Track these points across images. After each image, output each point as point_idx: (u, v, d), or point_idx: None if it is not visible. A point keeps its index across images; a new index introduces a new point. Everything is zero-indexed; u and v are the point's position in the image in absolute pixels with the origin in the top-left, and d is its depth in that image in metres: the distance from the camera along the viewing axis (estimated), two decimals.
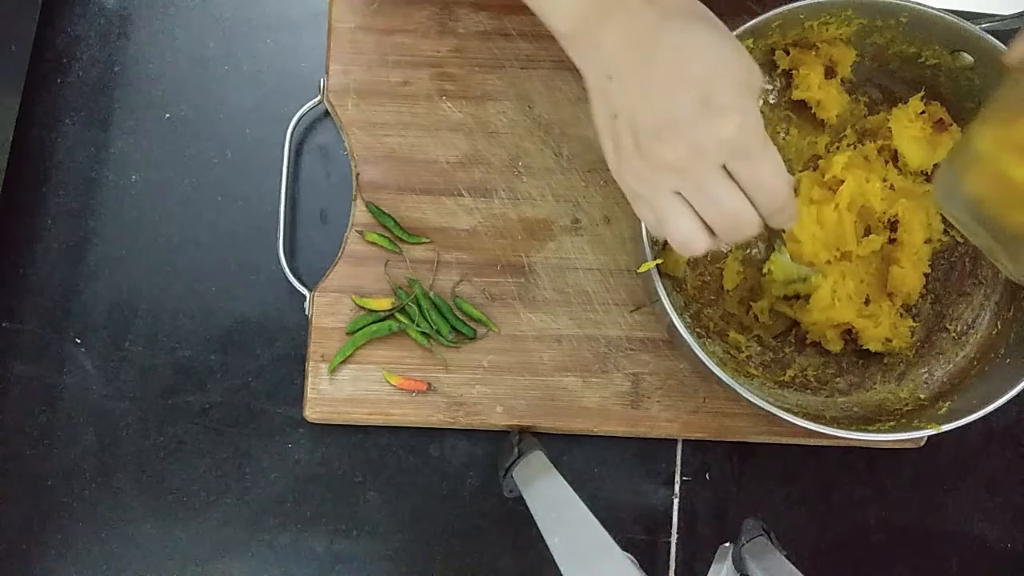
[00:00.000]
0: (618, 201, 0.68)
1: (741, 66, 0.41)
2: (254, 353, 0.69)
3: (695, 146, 0.41)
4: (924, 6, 0.56)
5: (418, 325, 0.65)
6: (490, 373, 0.66)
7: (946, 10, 0.56)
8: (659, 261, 0.55)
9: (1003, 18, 0.59)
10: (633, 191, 0.45)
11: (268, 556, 0.68)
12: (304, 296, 0.67)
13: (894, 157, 0.65)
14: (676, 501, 0.69)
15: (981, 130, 0.45)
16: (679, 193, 0.43)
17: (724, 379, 0.53)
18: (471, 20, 0.69)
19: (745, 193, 0.43)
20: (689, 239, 0.44)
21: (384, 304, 0.66)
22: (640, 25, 0.41)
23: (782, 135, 0.66)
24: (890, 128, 0.63)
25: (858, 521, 0.70)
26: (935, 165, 0.63)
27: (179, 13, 0.73)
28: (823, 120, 0.65)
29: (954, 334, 0.65)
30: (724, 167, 0.42)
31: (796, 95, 0.64)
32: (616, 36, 0.42)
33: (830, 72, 0.63)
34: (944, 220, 0.65)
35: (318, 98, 0.68)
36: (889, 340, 0.63)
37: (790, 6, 0.56)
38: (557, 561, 0.51)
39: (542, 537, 0.53)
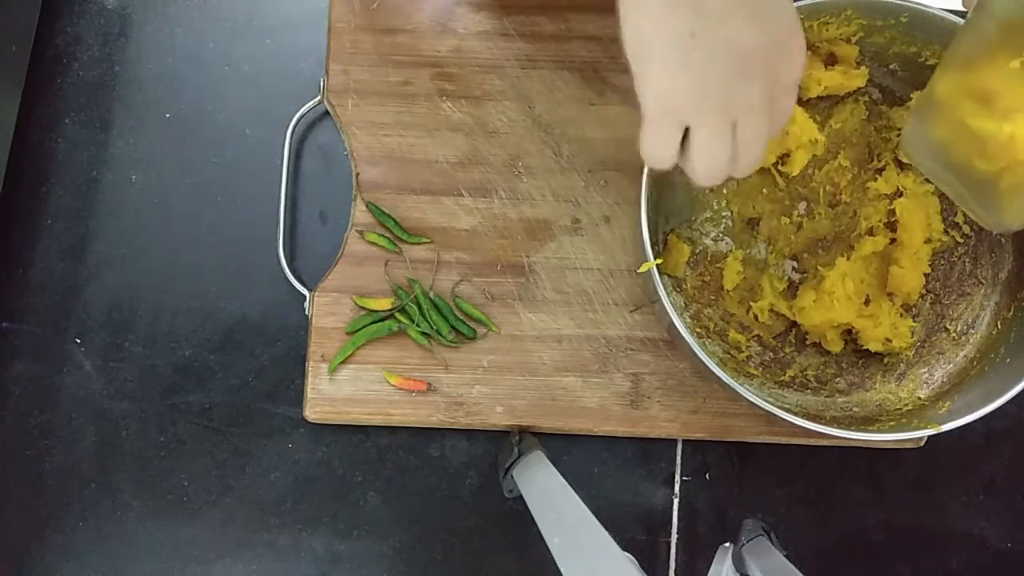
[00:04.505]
0: (618, 201, 0.68)
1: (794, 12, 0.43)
2: (254, 353, 0.69)
3: (775, 81, 0.42)
4: (924, 6, 0.56)
5: (418, 325, 0.65)
6: (490, 373, 0.66)
7: (946, 10, 0.56)
8: (659, 261, 0.55)
9: None
10: (684, 118, 0.44)
11: (268, 556, 0.68)
12: (304, 296, 0.67)
13: (895, 157, 0.65)
14: (676, 501, 0.69)
15: (941, 77, 0.44)
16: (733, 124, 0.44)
17: (724, 379, 0.53)
18: (471, 20, 0.69)
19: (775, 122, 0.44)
20: (717, 169, 0.45)
21: (384, 304, 0.66)
22: None
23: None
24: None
25: (858, 521, 0.70)
26: None
27: (179, 13, 0.73)
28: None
29: (954, 334, 0.65)
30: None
31: (806, 95, 0.64)
32: None
33: (832, 60, 0.62)
34: (944, 220, 0.65)
35: (318, 98, 0.68)
36: (889, 340, 0.63)
37: None
38: (557, 561, 0.51)
39: (542, 537, 0.53)
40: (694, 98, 0.43)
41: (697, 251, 0.66)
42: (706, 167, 0.45)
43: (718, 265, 0.66)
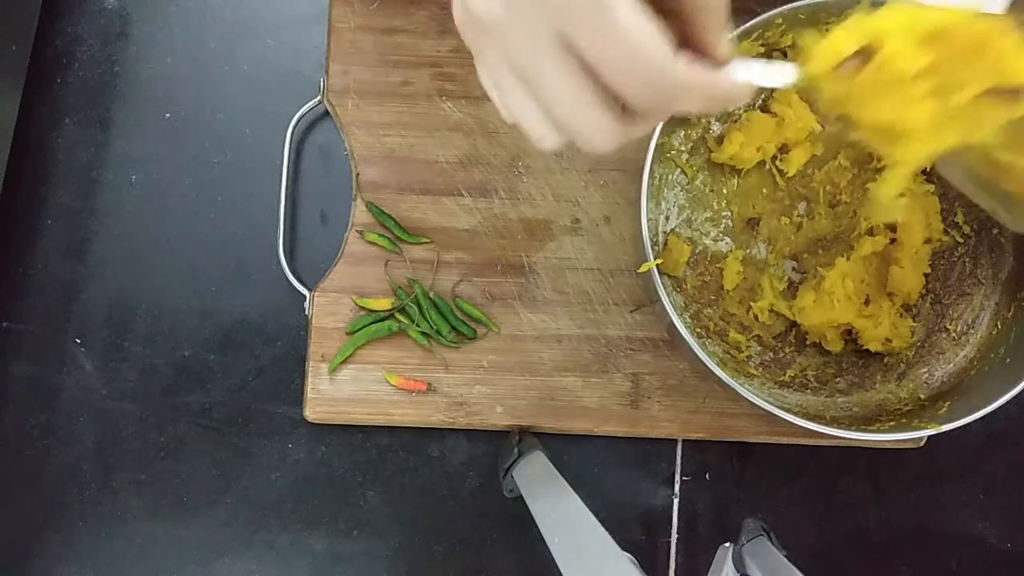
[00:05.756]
0: (618, 201, 0.68)
1: None
2: (254, 353, 0.69)
3: (569, 35, 0.29)
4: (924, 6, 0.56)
5: (418, 325, 0.65)
6: (490, 373, 0.66)
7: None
8: (659, 261, 0.55)
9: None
10: (476, 59, 0.33)
11: (268, 556, 0.68)
12: (304, 296, 0.67)
13: None
14: (676, 501, 0.69)
15: None
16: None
17: (724, 379, 0.53)
18: None
19: (602, 78, 0.29)
20: (535, 132, 0.33)
21: (384, 304, 0.66)
22: None
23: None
24: None
25: (858, 521, 0.70)
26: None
27: (179, 13, 0.73)
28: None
29: (954, 334, 0.65)
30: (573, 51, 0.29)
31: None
32: None
33: None
34: (944, 220, 0.65)
35: (318, 98, 0.68)
36: (889, 340, 0.63)
37: (790, 6, 0.56)
38: (557, 561, 0.51)
39: (542, 537, 0.53)
40: (466, 38, 0.33)
41: (697, 251, 0.66)
42: (523, 129, 0.33)
43: (718, 265, 0.66)
